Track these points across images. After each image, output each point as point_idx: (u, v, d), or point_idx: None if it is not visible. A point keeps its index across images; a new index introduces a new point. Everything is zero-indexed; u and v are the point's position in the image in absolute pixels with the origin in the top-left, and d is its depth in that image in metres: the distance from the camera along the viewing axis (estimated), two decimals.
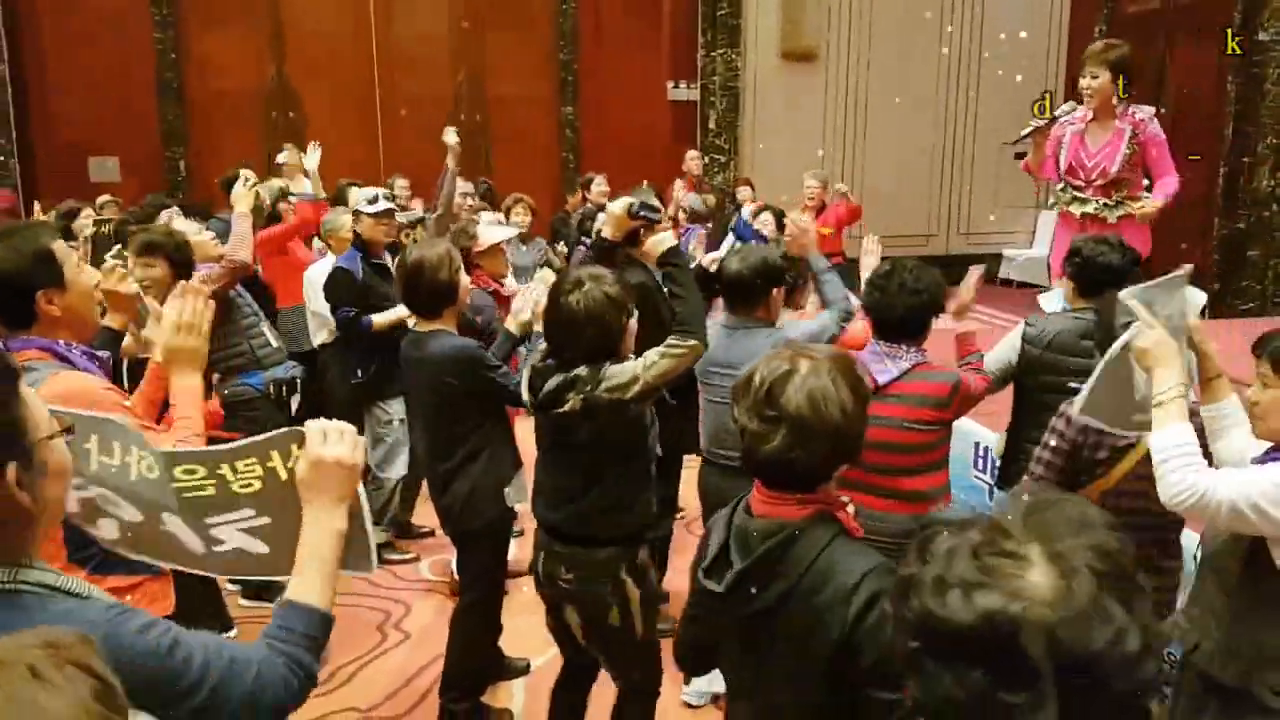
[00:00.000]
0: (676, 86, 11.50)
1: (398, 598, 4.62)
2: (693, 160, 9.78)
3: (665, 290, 3.17)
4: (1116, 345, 2.48)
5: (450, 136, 6.70)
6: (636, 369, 2.81)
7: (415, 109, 11.01)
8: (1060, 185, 4.98)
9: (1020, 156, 5.19)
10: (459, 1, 11.11)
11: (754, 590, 1.83)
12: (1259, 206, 8.62)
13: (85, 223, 5.74)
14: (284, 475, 1.67)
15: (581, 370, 2.77)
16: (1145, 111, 4.79)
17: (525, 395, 2.97)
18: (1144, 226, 4.80)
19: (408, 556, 4.96)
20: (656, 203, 3.48)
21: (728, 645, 2.00)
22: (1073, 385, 3.11)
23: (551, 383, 2.80)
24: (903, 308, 3.31)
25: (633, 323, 2.85)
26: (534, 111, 11.39)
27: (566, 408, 2.79)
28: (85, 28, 10.34)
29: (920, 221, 11.70)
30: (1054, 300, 3.83)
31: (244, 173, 5.94)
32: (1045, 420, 3.38)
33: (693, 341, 2.86)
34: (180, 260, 3.78)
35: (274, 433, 1.68)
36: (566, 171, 10.84)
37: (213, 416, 3.95)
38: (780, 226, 7.36)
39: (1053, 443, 3.04)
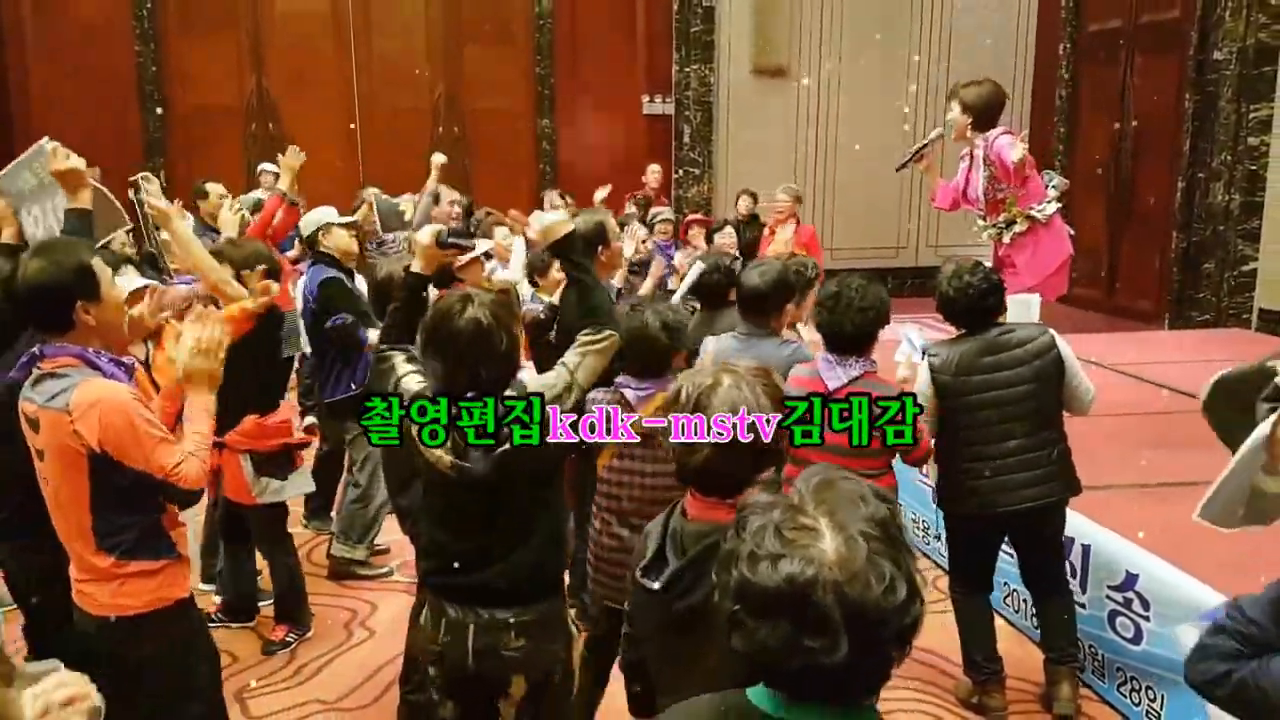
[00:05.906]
0: (651, 100, 11.71)
1: (366, 598, 4.76)
2: (653, 174, 9.90)
3: (571, 278, 2.94)
4: (1252, 442, 2.00)
5: (438, 157, 7.30)
6: (565, 377, 2.63)
7: (394, 122, 11.20)
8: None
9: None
10: (437, 16, 11.31)
11: (687, 588, 1.95)
12: (1214, 220, 8.84)
13: None
14: None
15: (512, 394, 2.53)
16: (994, 133, 4.90)
17: (441, 453, 2.47)
18: (1054, 229, 5.00)
19: (380, 571, 4.99)
20: (464, 241, 3.36)
21: (660, 641, 2.10)
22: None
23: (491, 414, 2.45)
24: (851, 325, 3.52)
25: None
26: (512, 124, 11.60)
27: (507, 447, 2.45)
28: (68, 39, 10.51)
29: (890, 234, 11.92)
30: (905, 349, 4.15)
31: (219, 194, 6.03)
32: (973, 438, 3.67)
33: (609, 331, 2.70)
34: (273, 271, 4.25)
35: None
36: (544, 184, 11.02)
37: (284, 427, 4.21)
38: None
39: None
